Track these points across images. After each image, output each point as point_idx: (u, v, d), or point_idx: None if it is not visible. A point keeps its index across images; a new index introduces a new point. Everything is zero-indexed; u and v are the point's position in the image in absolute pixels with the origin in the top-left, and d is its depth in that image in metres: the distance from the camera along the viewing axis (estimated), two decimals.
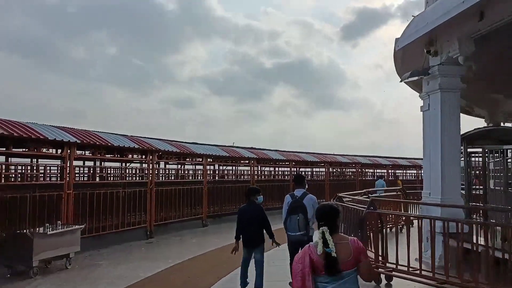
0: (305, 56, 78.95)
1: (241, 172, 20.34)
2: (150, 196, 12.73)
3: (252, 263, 6.69)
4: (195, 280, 7.65)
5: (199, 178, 16.81)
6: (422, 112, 11.93)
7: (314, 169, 24.27)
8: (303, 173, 23.62)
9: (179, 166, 16.90)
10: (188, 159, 15.55)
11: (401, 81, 9.58)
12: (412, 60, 10.90)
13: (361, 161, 26.26)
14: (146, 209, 12.60)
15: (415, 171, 29.85)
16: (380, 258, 7.16)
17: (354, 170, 26.14)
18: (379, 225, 7.28)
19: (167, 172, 16.81)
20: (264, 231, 6.68)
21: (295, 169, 21.89)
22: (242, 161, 18.63)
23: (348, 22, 79.44)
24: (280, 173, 22.30)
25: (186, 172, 17.21)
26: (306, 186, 7.07)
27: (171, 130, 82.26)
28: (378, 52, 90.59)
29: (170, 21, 65.71)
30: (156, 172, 15.21)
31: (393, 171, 28.61)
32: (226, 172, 19.83)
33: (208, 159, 16.27)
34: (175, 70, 71.75)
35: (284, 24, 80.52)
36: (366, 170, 27.52)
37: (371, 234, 7.36)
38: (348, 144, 76.39)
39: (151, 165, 12.89)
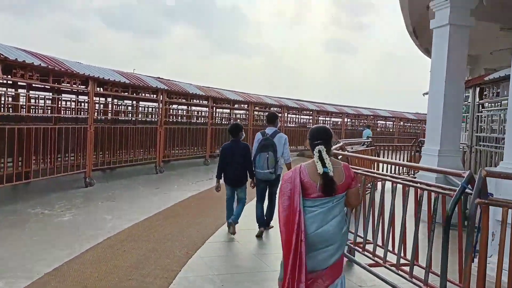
0: None
1: (145, 109, 15.17)
2: None
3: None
4: None
5: (82, 113, 11.38)
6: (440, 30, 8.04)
7: (234, 111, 19.88)
8: (222, 114, 19.29)
9: (51, 94, 11.13)
10: (64, 82, 9.83)
11: None
12: None
13: (287, 104, 22.40)
14: None
15: (340, 119, 26.92)
16: None
17: (279, 114, 22.25)
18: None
19: (32, 101, 11.04)
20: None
21: (213, 109, 17.28)
22: (147, 94, 13.39)
23: None
24: (197, 113, 17.47)
25: (61, 104, 11.41)
26: (279, 125, 7.05)
27: None
28: None
29: None
30: (10, 100, 9.64)
31: (317, 117, 25.33)
32: (124, 109, 14.48)
33: (98, 87, 10.92)
34: None
35: None
36: (291, 115, 23.77)
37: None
38: (250, 88, 74.20)
39: None
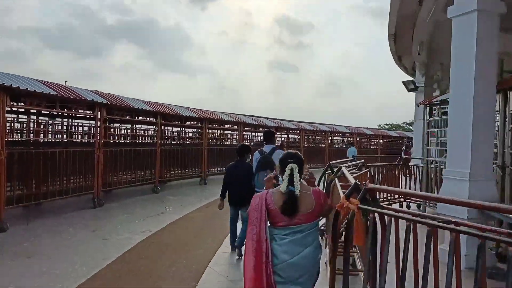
0: (151, 16, 71.69)
1: (81, 128, 12.66)
2: None
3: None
4: None
5: None
6: None
7: (186, 129, 17.73)
8: (172, 132, 17.06)
9: None
10: None
11: None
12: None
13: (244, 120, 20.45)
14: None
15: (298, 136, 25.26)
16: None
17: (235, 132, 20.26)
18: None
19: None
20: None
21: (163, 127, 15.01)
22: (81, 110, 10.89)
23: None
24: (143, 132, 15.11)
25: None
26: (276, 142, 6.97)
27: None
28: (225, 19, 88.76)
29: None
30: None
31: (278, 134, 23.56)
32: (51, 128, 11.89)
33: (13, 101, 8.45)
34: None
35: None
36: (247, 133, 21.79)
37: None
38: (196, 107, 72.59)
39: None
